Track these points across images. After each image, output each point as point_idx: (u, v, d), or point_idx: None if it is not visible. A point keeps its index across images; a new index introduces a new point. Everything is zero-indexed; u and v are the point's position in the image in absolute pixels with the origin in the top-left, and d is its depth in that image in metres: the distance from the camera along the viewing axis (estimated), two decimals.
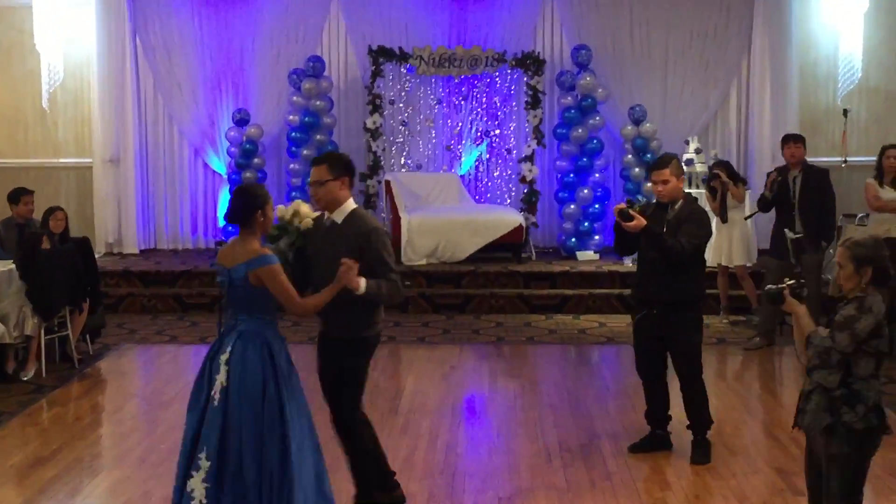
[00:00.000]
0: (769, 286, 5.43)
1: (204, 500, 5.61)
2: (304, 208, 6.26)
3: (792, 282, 5.35)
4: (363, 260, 5.94)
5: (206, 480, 5.61)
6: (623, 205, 7.20)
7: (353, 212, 6.20)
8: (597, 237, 14.15)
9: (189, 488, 5.63)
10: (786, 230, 10.36)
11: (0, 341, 9.56)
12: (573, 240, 14.11)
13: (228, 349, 5.69)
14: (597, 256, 13.92)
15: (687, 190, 8.59)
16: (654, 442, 7.59)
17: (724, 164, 11.83)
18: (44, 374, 9.77)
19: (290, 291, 5.72)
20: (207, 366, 5.75)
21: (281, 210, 6.21)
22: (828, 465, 5.15)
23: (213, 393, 5.66)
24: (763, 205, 10.88)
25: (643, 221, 7.07)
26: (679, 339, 7.35)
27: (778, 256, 10.49)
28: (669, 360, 7.55)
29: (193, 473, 5.63)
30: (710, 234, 7.45)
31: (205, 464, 5.62)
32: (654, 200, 7.52)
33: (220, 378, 5.65)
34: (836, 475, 5.12)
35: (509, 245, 13.60)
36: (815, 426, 5.12)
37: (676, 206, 7.32)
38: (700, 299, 7.47)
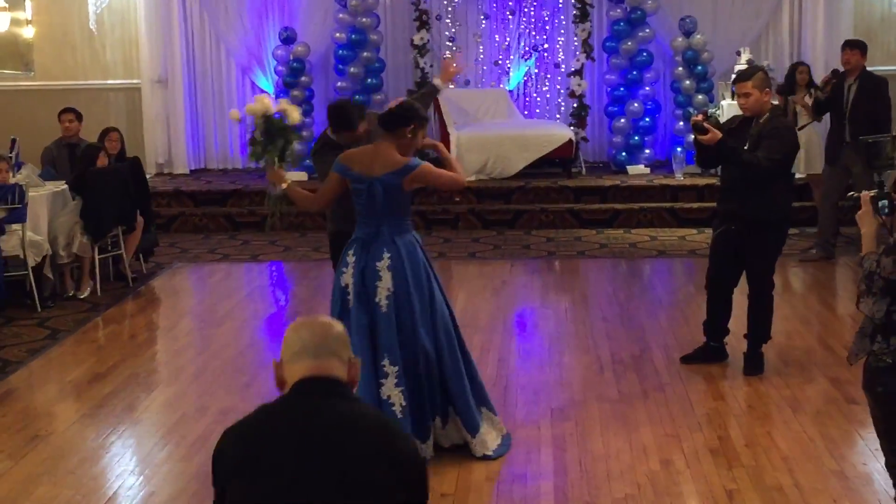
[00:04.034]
0: (851, 193, 4.92)
1: (403, 403, 5.77)
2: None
3: (874, 191, 4.64)
4: None
5: (399, 384, 5.77)
6: (698, 117, 7.06)
7: None
8: (647, 151, 13.98)
9: (384, 395, 5.77)
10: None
11: (55, 262, 9.69)
12: (623, 154, 13.96)
13: (386, 255, 5.78)
14: (647, 170, 13.77)
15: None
16: (707, 353, 7.53)
17: None
18: (98, 293, 9.87)
19: (446, 174, 5.96)
20: (356, 277, 5.79)
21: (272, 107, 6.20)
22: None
23: (377, 300, 5.76)
24: (817, 109, 10.69)
25: (718, 135, 6.91)
26: (755, 258, 7.22)
27: (830, 162, 10.34)
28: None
29: (383, 381, 5.77)
30: (793, 150, 7.22)
31: (391, 369, 5.77)
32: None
33: (385, 284, 5.76)
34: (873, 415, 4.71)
35: (559, 160, 13.48)
36: (857, 352, 4.65)
37: (761, 121, 7.10)
38: (781, 220, 7.22)
